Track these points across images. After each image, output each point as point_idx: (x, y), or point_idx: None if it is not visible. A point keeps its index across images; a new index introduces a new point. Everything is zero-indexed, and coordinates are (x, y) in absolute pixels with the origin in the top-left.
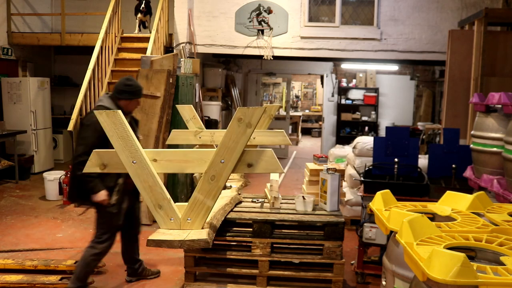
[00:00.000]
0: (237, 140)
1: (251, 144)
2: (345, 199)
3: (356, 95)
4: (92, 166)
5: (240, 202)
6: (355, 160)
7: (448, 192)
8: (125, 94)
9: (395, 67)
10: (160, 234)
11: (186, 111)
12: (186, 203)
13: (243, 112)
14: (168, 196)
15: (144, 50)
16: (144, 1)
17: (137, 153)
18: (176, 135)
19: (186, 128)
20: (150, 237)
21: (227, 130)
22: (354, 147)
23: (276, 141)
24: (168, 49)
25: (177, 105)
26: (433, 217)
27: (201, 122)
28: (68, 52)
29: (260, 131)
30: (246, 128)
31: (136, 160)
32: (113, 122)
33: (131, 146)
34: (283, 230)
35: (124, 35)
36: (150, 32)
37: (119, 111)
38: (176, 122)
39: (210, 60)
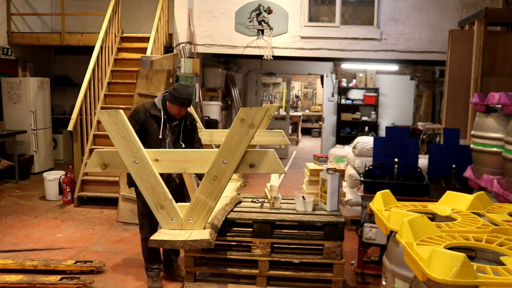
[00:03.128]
0: (239, 140)
1: (250, 144)
2: (345, 199)
3: (356, 95)
4: (93, 165)
5: (240, 202)
6: (355, 160)
7: (448, 192)
8: (169, 96)
9: (395, 67)
10: (162, 234)
11: None
12: (188, 203)
13: (246, 113)
14: (170, 196)
15: (144, 50)
16: None
17: (138, 153)
18: None
19: None
20: (152, 237)
21: (229, 130)
22: (354, 147)
23: (275, 141)
24: (168, 49)
25: None
26: (433, 217)
27: (200, 122)
28: (68, 52)
29: (259, 131)
30: (248, 128)
31: (138, 160)
32: (114, 122)
33: (133, 146)
34: (283, 230)
35: (124, 35)
36: None
37: (121, 111)
38: None
39: (210, 60)
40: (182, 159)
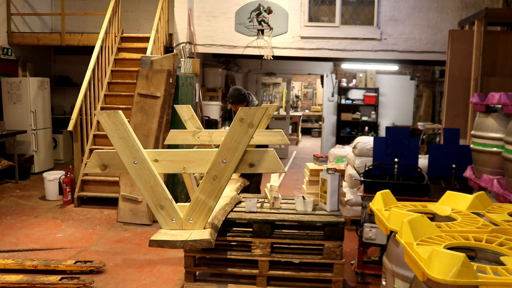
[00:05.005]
0: (239, 140)
1: (250, 144)
2: (345, 199)
3: (356, 95)
4: (92, 166)
5: (240, 202)
6: (355, 160)
7: (448, 192)
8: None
9: (395, 67)
10: (162, 235)
11: (184, 111)
12: (188, 204)
13: (245, 112)
14: (170, 196)
15: (144, 50)
16: None
17: (138, 153)
18: (174, 135)
19: (186, 128)
20: (152, 238)
21: (228, 130)
22: (354, 147)
23: (274, 140)
24: (168, 49)
25: (175, 105)
26: (433, 217)
27: (199, 122)
28: (68, 52)
29: (258, 130)
30: (248, 128)
31: (137, 161)
32: (113, 122)
33: (132, 146)
34: (283, 230)
35: (124, 35)
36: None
37: (120, 112)
38: (176, 122)
39: (210, 60)
40: (182, 159)
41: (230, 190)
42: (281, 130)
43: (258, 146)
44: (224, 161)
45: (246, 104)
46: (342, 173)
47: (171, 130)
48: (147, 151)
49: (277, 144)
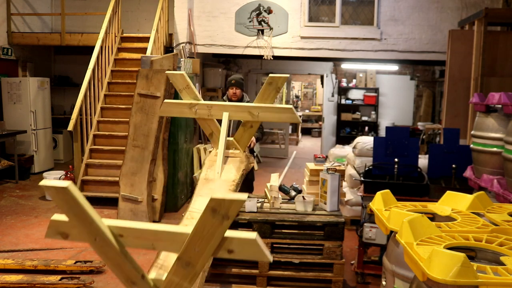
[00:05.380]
0: (212, 232)
1: (255, 121)
2: (345, 199)
3: (356, 95)
4: (52, 234)
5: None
6: (355, 160)
7: (448, 192)
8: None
9: (395, 67)
10: None
11: (178, 80)
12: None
13: (217, 203)
14: (142, 271)
15: (144, 50)
16: None
17: (98, 231)
18: (169, 107)
19: (186, 127)
20: None
21: (199, 219)
22: (354, 147)
23: (283, 118)
24: (168, 49)
25: (167, 72)
26: (433, 217)
27: (197, 92)
28: (68, 52)
29: (265, 106)
30: (222, 220)
31: (98, 239)
32: (63, 199)
33: (91, 223)
34: (283, 230)
35: (124, 35)
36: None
37: (70, 185)
38: (176, 121)
39: (210, 60)
40: (149, 237)
41: (235, 171)
42: (291, 106)
43: (249, 148)
44: (197, 249)
45: (242, 97)
46: (342, 173)
47: (165, 101)
48: (110, 225)
49: (286, 122)
